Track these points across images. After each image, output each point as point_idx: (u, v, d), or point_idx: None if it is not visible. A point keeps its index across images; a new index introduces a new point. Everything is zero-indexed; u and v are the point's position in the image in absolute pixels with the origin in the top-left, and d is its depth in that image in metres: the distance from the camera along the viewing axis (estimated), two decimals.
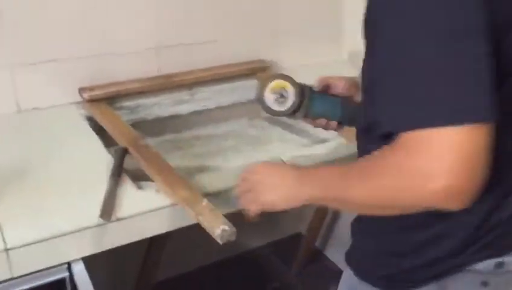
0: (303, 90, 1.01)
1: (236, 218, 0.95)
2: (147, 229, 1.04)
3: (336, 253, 1.94)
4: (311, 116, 1.03)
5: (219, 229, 0.91)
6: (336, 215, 1.93)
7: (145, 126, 1.46)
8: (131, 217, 1.00)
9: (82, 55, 1.39)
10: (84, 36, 1.38)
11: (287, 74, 1.03)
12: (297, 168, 0.86)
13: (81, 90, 1.38)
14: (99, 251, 0.99)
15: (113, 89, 1.40)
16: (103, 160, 1.16)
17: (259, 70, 1.61)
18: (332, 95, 1.04)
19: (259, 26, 1.64)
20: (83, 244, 0.97)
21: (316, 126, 1.07)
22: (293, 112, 1.02)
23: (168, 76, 1.47)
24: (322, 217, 1.88)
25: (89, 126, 1.31)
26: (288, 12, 1.67)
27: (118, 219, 0.99)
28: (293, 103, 1.00)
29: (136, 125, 1.41)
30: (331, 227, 1.97)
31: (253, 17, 1.62)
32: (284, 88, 0.99)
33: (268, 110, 1.02)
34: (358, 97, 0.95)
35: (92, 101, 1.37)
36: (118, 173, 1.09)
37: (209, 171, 1.28)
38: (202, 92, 1.53)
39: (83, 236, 0.96)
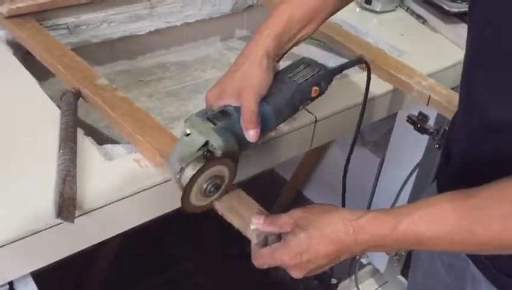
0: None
1: None
2: (126, 220, 0.70)
3: (316, 193, 1.74)
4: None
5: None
6: (319, 154, 1.67)
7: (89, 53, 1.08)
8: (103, 207, 0.65)
9: None
10: None
11: None
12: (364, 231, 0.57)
13: None
14: (56, 260, 0.65)
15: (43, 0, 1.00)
16: (42, 111, 0.78)
17: None
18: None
19: None
20: (30, 253, 0.62)
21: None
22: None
23: None
24: (313, 162, 1.63)
25: (12, 54, 0.93)
26: None
27: (84, 213, 0.64)
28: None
29: (77, 52, 1.04)
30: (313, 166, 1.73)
31: None
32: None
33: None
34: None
35: (15, 17, 0.97)
36: (72, 135, 0.71)
37: None
38: (165, 2, 1.17)
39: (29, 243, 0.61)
